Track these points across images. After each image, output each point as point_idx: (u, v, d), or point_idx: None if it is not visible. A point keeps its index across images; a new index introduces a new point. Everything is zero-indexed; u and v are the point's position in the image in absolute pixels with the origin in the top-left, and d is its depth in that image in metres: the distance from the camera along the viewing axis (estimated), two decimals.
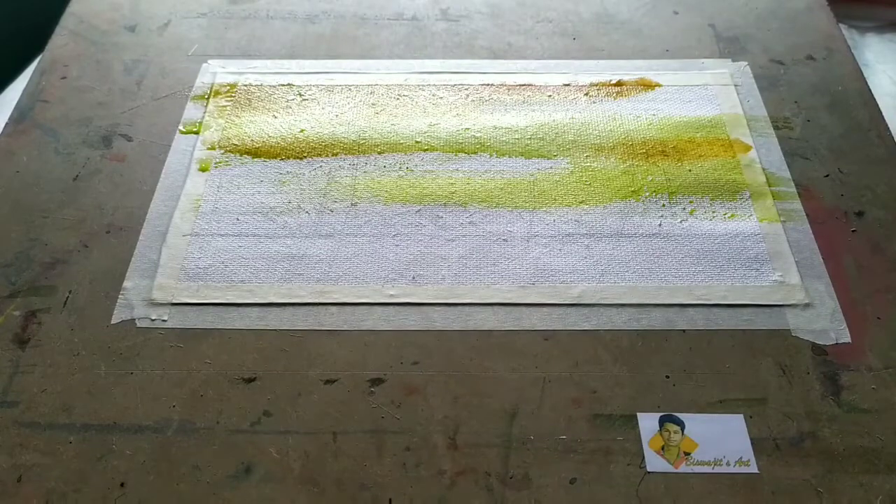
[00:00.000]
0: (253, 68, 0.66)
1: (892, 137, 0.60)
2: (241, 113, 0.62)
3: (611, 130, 0.61)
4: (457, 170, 0.58)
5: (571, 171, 0.58)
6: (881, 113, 0.62)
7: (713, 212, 0.55)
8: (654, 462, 0.43)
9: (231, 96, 0.64)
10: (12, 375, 0.46)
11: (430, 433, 0.44)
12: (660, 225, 0.54)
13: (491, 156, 0.59)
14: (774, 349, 0.47)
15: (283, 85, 0.65)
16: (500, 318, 0.49)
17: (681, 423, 0.44)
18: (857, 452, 0.43)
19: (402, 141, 0.60)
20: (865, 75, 0.66)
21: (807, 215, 0.54)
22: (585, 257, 0.52)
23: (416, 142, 0.60)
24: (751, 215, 0.54)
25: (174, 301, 0.50)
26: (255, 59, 0.67)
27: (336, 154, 0.59)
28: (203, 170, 0.58)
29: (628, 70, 0.66)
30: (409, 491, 0.41)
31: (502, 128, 0.61)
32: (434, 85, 0.65)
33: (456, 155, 0.59)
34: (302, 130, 0.61)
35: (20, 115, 0.62)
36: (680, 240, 0.53)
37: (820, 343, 0.48)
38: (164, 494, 0.41)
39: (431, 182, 0.57)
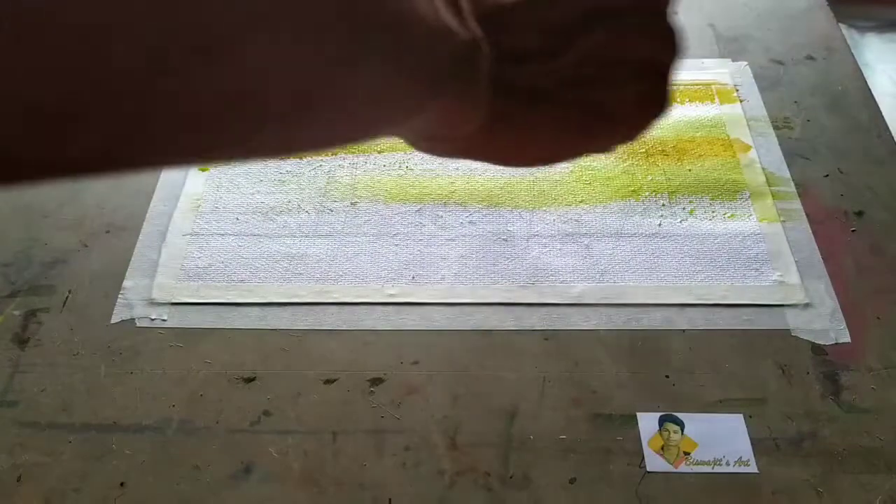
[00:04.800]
0: None
1: (892, 137, 0.60)
2: None
3: None
4: (457, 169, 0.58)
5: (571, 171, 0.58)
6: (881, 113, 0.62)
7: (713, 211, 0.55)
8: (654, 462, 0.43)
9: None
10: (12, 375, 0.46)
11: (430, 433, 0.44)
12: (660, 225, 0.54)
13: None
14: (774, 349, 0.47)
15: None
16: (500, 318, 0.49)
17: (680, 423, 0.44)
18: (857, 452, 0.43)
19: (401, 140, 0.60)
20: (865, 75, 0.66)
21: (807, 215, 0.54)
22: (585, 257, 0.52)
23: None
24: (750, 215, 0.54)
25: (174, 300, 0.50)
26: None
27: (335, 153, 0.59)
28: (203, 169, 0.58)
29: None
30: (409, 491, 0.41)
31: None
32: None
33: None
34: None
35: None
36: (680, 240, 0.53)
37: (820, 343, 0.48)
38: (164, 494, 0.41)
39: (431, 181, 0.57)
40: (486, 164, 0.27)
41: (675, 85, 0.24)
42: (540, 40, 0.22)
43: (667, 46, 0.24)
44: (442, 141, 0.25)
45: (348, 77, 0.19)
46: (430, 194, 0.56)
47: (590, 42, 0.23)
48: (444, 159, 0.32)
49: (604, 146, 0.27)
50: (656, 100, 0.25)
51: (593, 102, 0.24)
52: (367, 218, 0.55)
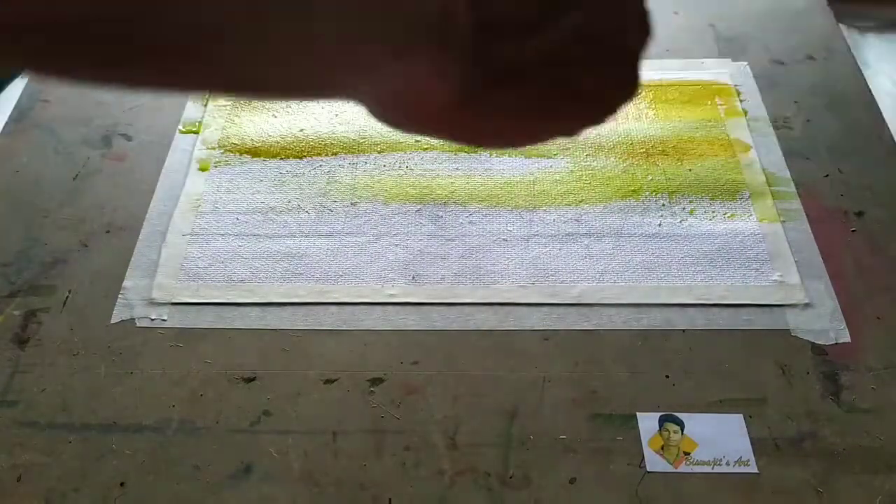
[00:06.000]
0: None
1: (893, 137, 0.60)
2: (241, 112, 0.62)
3: (611, 129, 0.60)
4: (456, 169, 0.58)
5: (571, 171, 0.58)
6: (881, 113, 0.62)
7: (713, 211, 0.55)
8: (654, 462, 0.42)
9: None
10: (12, 375, 0.46)
11: (430, 433, 0.44)
12: (660, 225, 0.54)
13: (490, 155, 0.59)
14: (774, 349, 0.47)
15: None
16: (500, 318, 0.49)
17: (680, 423, 0.44)
18: (857, 452, 0.43)
19: (401, 140, 0.60)
20: (865, 75, 0.66)
21: (806, 215, 0.54)
22: (585, 257, 0.52)
23: (416, 141, 0.60)
24: (750, 215, 0.54)
25: (174, 301, 0.49)
26: None
27: (336, 153, 0.59)
28: (203, 169, 0.58)
29: None
30: (409, 491, 0.41)
31: None
32: None
33: (455, 154, 0.59)
34: (301, 130, 0.61)
35: (20, 115, 0.62)
36: (680, 240, 0.53)
37: (820, 343, 0.48)
38: (164, 494, 0.41)
39: (431, 181, 0.57)
40: (445, 139, 0.28)
41: (641, 69, 0.25)
42: (519, 14, 0.23)
43: (638, 28, 0.25)
44: (409, 109, 0.25)
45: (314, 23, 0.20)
46: (430, 194, 0.56)
47: (568, 21, 0.23)
48: (406, 133, 0.32)
49: (570, 129, 0.27)
50: (626, 84, 0.25)
51: (565, 83, 0.24)
52: (367, 218, 0.55)
